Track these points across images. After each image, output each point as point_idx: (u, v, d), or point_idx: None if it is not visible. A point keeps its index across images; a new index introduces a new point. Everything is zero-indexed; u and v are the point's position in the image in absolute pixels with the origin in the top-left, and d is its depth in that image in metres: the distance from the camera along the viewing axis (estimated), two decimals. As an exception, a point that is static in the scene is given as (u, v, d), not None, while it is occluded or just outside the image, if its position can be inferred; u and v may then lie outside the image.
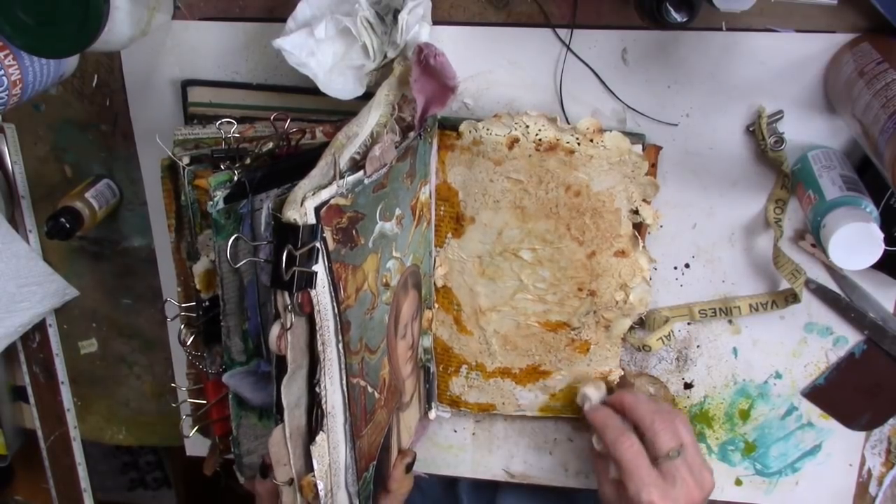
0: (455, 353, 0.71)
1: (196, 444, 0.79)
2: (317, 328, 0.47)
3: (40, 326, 0.81)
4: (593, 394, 0.68)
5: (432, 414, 0.73)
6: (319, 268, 0.46)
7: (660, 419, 0.62)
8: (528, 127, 0.61)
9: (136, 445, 0.89)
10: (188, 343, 0.59)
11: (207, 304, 0.58)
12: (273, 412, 0.49)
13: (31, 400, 0.84)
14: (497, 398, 0.72)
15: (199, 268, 0.57)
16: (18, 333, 0.78)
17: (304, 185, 0.46)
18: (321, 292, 0.47)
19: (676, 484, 0.59)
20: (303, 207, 0.45)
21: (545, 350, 0.69)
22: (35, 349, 0.82)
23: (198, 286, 0.57)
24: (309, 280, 0.46)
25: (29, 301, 0.76)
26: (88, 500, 0.87)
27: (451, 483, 0.84)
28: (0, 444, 0.87)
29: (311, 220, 0.45)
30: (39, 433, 0.85)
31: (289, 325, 0.46)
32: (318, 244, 0.46)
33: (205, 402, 0.63)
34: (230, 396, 0.57)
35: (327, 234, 0.47)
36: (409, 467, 0.66)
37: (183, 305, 0.59)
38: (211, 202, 0.50)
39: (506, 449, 0.77)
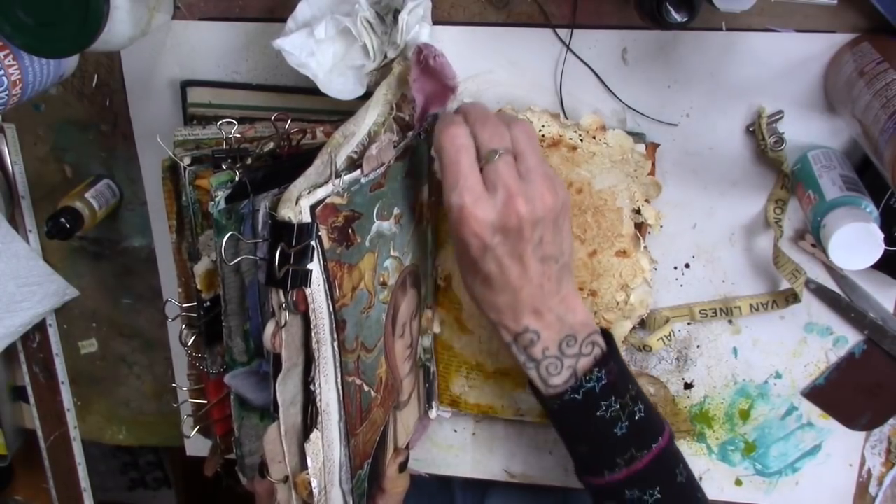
0: (456, 352, 0.71)
1: (196, 445, 0.79)
2: (311, 326, 0.48)
3: (40, 326, 0.81)
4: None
5: (432, 413, 0.73)
6: (314, 266, 0.46)
7: (492, 119, 0.52)
8: (531, 122, 0.61)
9: (136, 445, 0.88)
10: (189, 344, 0.60)
11: (208, 304, 0.58)
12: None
13: (31, 400, 0.84)
14: (497, 401, 0.72)
15: (200, 268, 0.57)
16: (18, 333, 0.79)
17: (300, 183, 0.46)
18: (316, 291, 0.47)
19: (497, 191, 0.49)
20: (298, 206, 0.45)
21: (545, 350, 0.69)
22: (35, 349, 0.82)
23: (199, 286, 0.57)
24: (304, 278, 0.46)
25: (29, 301, 0.76)
26: (88, 500, 0.87)
27: (445, 481, 0.84)
28: (0, 444, 0.87)
29: (306, 218, 0.45)
30: (39, 433, 0.85)
31: (283, 323, 0.46)
32: (313, 242, 0.46)
33: (205, 402, 0.62)
34: (232, 397, 0.56)
35: (323, 233, 0.47)
36: (402, 466, 0.65)
37: (184, 305, 0.59)
38: (212, 202, 0.50)
39: (506, 449, 0.77)
